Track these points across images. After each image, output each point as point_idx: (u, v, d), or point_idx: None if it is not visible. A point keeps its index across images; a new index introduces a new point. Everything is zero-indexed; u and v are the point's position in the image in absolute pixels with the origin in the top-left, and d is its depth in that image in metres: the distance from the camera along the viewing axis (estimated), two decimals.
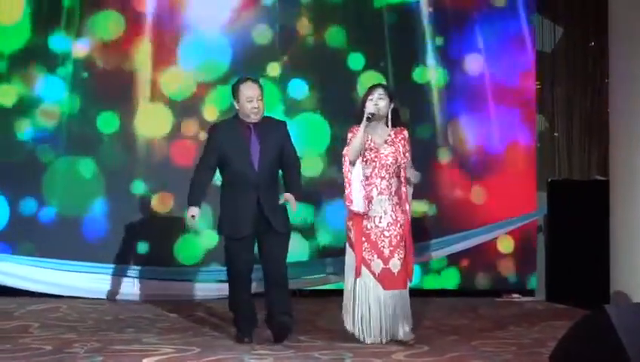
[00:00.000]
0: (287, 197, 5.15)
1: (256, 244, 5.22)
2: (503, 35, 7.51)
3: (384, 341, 5.16)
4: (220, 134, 5.18)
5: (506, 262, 7.40)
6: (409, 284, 5.28)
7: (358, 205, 5.17)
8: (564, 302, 6.84)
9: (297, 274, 6.96)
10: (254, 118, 5.14)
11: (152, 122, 7.20)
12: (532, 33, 7.54)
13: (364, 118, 5.15)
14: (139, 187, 7.15)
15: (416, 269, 7.03)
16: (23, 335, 5.28)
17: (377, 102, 5.22)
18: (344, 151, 5.20)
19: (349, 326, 5.23)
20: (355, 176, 5.19)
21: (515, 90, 7.51)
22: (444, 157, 7.39)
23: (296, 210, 5.22)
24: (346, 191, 5.19)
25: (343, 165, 5.21)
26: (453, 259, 7.39)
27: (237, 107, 5.19)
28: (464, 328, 5.83)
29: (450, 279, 7.39)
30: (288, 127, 5.35)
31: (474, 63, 7.46)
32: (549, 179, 7.42)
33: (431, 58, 7.41)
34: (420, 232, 7.09)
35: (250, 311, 5.23)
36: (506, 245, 7.41)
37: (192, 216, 5.06)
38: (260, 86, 5.22)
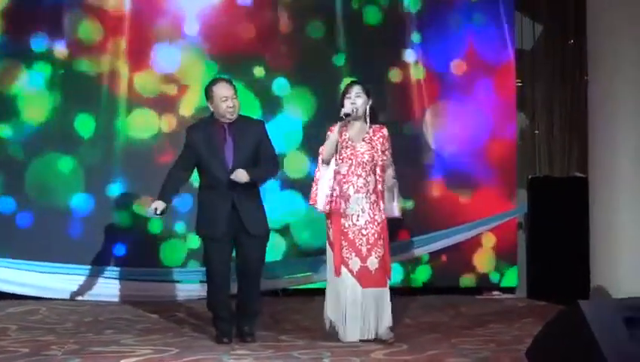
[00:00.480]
0: (237, 171, 5.05)
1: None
2: (482, 33, 7.52)
3: (364, 338, 5.15)
4: (196, 135, 5.18)
5: (487, 259, 7.41)
6: (388, 282, 5.27)
7: (320, 204, 5.19)
8: (545, 299, 6.85)
9: (280, 273, 6.97)
10: (230, 118, 5.13)
11: (132, 123, 7.17)
12: (511, 31, 7.55)
13: (341, 116, 5.16)
14: (117, 188, 7.11)
15: (397, 267, 7.14)
16: (0, 338, 5.23)
17: (355, 101, 5.22)
18: (320, 149, 5.23)
19: (328, 324, 5.23)
20: (324, 175, 5.20)
21: (495, 87, 7.52)
22: (425, 154, 7.39)
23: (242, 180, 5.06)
24: (313, 190, 5.22)
25: (318, 163, 5.24)
26: (434, 257, 7.38)
27: (212, 108, 5.18)
28: (444, 326, 5.84)
29: (430, 277, 7.39)
30: (266, 126, 5.34)
31: (453, 60, 7.46)
32: (530, 177, 7.44)
33: (410, 55, 7.41)
34: (400, 230, 7.14)
35: (229, 311, 5.23)
36: (486, 242, 7.42)
37: (155, 208, 5.06)
38: (233, 85, 5.22)
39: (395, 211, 5.33)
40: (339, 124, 5.17)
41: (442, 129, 7.42)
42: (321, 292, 5.53)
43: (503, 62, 7.51)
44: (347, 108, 5.18)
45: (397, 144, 5.55)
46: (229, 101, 5.10)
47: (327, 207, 5.18)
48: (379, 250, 5.21)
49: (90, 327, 5.71)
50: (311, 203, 5.24)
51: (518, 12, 7.61)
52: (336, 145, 5.17)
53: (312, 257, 7.01)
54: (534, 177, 7.44)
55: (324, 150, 5.19)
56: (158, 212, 5.07)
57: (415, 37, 7.41)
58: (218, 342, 5.15)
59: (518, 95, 7.57)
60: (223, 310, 5.20)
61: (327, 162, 5.19)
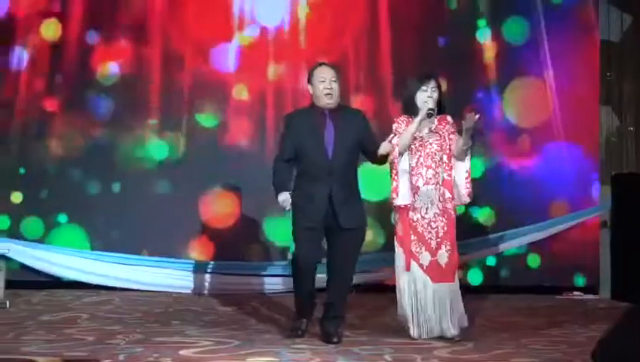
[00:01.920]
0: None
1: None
2: (569, 23, 7.25)
3: (435, 335, 5.02)
4: (295, 122, 5.07)
5: (569, 258, 7.14)
6: (457, 277, 5.11)
7: (403, 198, 5.06)
8: (630, 300, 6.52)
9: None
10: (328, 101, 4.99)
11: None
12: (599, 22, 7.25)
13: (424, 113, 5.02)
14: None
15: (477, 264, 6.96)
16: (69, 326, 5.34)
17: (432, 95, 5.09)
18: (394, 142, 5.04)
19: (402, 321, 5.11)
20: (402, 169, 5.08)
21: (580, 79, 7.23)
22: (510, 148, 7.17)
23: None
24: (393, 185, 5.08)
25: (390, 155, 5.05)
26: (514, 255, 7.17)
27: (311, 91, 5.07)
28: (516, 325, 5.63)
29: (511, 275, 7.17)
30: (366, 117, 5.22)
31: (537, 51, 7.21)
32: (614, 173, 7.13)
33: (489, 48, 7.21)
34: (481, 227, 6.96)
35: (310, 304, 5.10)
36: (569, 240, 7.15)
37: (283, 201, 4.94)
38: (335, 69, 5.10)
39: (464, 196, 5.14)
40: (419, 118, 5.02)
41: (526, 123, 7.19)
42: (390, 289, 5.40)
43: (590, 54, 7.23)
44: (430, 103, 5.05)
45: None
46: (327, 82, 4.98)
47: (413, 198, 5.03)
48: (448, 243, 5.05)
49: (159, 318, 5.76)
50: (393, 196, 5.05)
51: (606, 3, 7.31)
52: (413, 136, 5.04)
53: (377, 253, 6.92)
54: (618, 174, 7.13)
55: (400, 142, 5.03)
56: (290, 201, 4.94)
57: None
58: (291, 331, 5.05)
59: (603, 88, 7.26)
60: (305, 301, 5.06)
61: (402, 154, 5.04)
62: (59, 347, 4.68)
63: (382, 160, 4.99)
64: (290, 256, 6.04)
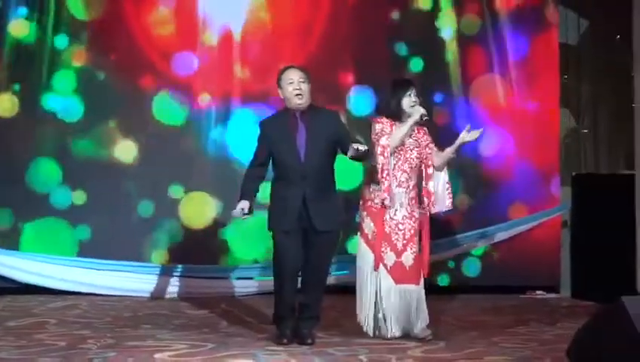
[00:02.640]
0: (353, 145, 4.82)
1: None
2: (527, 27, 7.39)
3: (396, 335, 5.06)
4: (267, 127, 5.07)
5: (530, 258, 7.26)
6: (422, 280, 5.17)
7: (392, 200, 5.10)
8: (590, 299, 6.69)
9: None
10: (299, 102, 4.97)
11: None
12: (557, 25, 7.41)
13: (417, 117, 5.08)
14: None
15: (439, 265, 7.04)
16: (39, 331, 5.27)
17: (416, 100, 5.18)
18: (384, 142, 5.07)
19: (364, 321, 5.15)
20: (388, 167, 5.10)
21: (539, 82, 7.38)
22: (467, 150, 7.28)
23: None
24: (385, 184, 5.05)
25: (380, 156, 5.06)
26: (475, 255, 7.28)
27: (282, 95, 5.07)
28: (485, 324, 5.73)
29: (472, 275, 7.28)
30: (340, 116, 5.22)
31: (497, 55, 7.35)
32: (574, 174, 7.29)
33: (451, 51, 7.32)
34: (442, 227, 7.04)
35: (293, 310, 5.06)
36: (530, 241, 7.28)
37: (242, 209, 4.92)
38: (303, 70, 5.09)
39: (446, 203, 5.23)
40: (411, 121, 5.08)
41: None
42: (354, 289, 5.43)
43: (548, 57, 7.38)
44: (420, 109, 5.12)
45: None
46: (296, 84, 4.97)
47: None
48: (414, 246, 5.13)
49: (128, 322, 5.71)
50: (384, 196, 5.04)
51: (564, 7, 7.47)
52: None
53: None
54: (578, 174, 7.29)
55: (393, 140, 5.05)
56: (245, 211, 4.93)
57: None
58: (277, 342, 4.98)
59: (562, 90, 7.42)
60: (288, 308, 5.03)
61: (393, 150, 5.08)
62: (31, 353, 4.61)
63: (360, 158, 4.95)
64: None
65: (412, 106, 5.15)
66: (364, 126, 6.73)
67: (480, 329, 5.50)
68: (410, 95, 5.17)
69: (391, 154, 5.11)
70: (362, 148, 4.78)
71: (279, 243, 4.98)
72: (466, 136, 5.17)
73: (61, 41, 7.04)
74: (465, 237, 7.24)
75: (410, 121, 5.12)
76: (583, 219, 7.13)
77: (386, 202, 5.08)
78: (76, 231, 7.01)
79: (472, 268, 7.30)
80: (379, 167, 5.07)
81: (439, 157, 5.21)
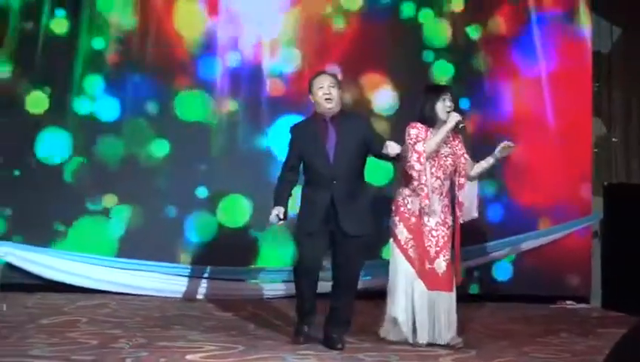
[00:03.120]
0: (389, 143, 4.86)
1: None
2: (559, 35, 7.35)
3: (425, 342, 5.05)
4: (298, 132, 5.14)
5: (561, 267, 7.21)
6: (454, 288, 5.15)
7: (429, 205, 5.09)
8: (620, 310, 6.63)
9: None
10: (328, 106, 5.03)
11: None
12: (590, 34, 7.36)
13: (453, 123, 5.06)
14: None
15: (470, 273, 7.00)
16: (70, 330, 5.30)
17: (450, 104, 5.16)
18: (420, 148, 5.07)
19: (391, 325, 5.14)
20: (426, 173, 5.09)
21: (572, 91, 7.32)
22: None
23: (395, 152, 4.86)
24: (425, 191, 5.05)
25: (416, 162, 5.06)
26: (506, 264, 7.23)
27: (312, 100, 5.13)
28: (515, 334, 5.69)
29: (503, 284, 7.23)
30: (369, 120, 5.27)
31: (532, 65, 7.31)
32: (605, 183, 7.23)
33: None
34: (472, 235, 6.99)
35: (313, 310, 5.11)
36: (560, 250, 7.22)
37: (277, 215, 4.96)
38: (334, 76, 5.17)
39: (473, 212, 5.22)
40: (447, 127, 5.06)
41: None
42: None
43: (581, 65, 7.33)
44: (456, 115, 5.10)
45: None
46: (325, 88, 5.04)
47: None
48: (447, 254, 5.11)
49: (158, 322, 5.73)
50: (425, 202, 5.05)
51: (596, 15, 7.42)
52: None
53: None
54: (610, 184, 7.23)
55: (428, 149, 5.05)
56: (280, 216, 4.96)
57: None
58: (295, 335, 5.08)
59: (594, 100, 7.37)
60: (307, 308, 5.07)
61: (429, 156, 5.07)
62: (64, 350, 4.65)
63: (391, 159, 5.01)
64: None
65: (447, 112, 5.14)
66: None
67: (510, 339, 5.46)
68: (444, 100, 5.16)
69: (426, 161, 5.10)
70: (396, 149, 4.80)
71: (301, 244, 5.04)
72: (500, 152, 5.16)
73: (96, 42, 7.10)
74: (494, 245, 7.19)
75: (446, 128, 5.10)
76: (615, 228, 7.06)
77: (427, 209, 5.06)
78: (108, 231, 7.04)
79: (501, 277, 7.25)
80: (415, 174, 5.07)
81: (474, 169, 5.20)
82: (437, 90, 5.25)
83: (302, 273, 5.03)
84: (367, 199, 5.13)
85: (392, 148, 4.83)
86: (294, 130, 5.18)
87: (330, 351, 4.92)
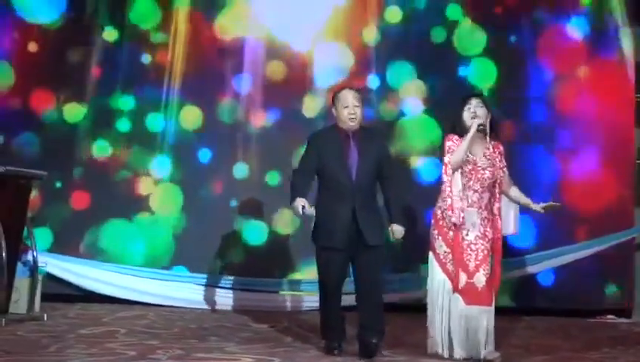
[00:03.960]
0: (394, 229, 5.09)
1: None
2: (601, 46, 7.28)
3: (463, 356, 5.00)
4: (319, 141, 5.19)
5: (602, 281, 7.11)
6: (494, 302, 5.10)
7: (458, 217, 5.05)
8: None
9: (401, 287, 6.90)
10: (352, 125, 5.12)
11: None
12: (631, 44, 7.29)
13: (473, 128, 5.03)
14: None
15: (507, 285, 6.93)
16: (109, 341, 5.35)
17: (475, 110, 5.10)
18: (446, 160, 5.07)
19: (432, 342, 5.10)
20: (456, 188, 5.08)
21: (614, 101, 7.24)
22: (540, 168, 7.18)
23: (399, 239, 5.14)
24: (448, 202, 5.04)
25: (444, 174, 5.08)
26: (546, 277, 7.16)
27: (335, 114, 5.20)
28: (554, 348, 5.60)
29: (542, 297, 7.14)
30: (385, 138, 5.34)
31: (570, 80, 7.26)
32: None
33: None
34: (513, 247, 6.95)
35: (340, 322, 5.16)
36: (602, 263, 7.12)
37: (302, 206, 4.98)
38: (358, 93, 5.22)
39: (511, 228, 5.19)
40: (470, 134, 5.01)
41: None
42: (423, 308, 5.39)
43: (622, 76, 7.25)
44: (478, 119, 5.06)
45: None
46: (351, 108, 5.11)
47: (462, 219, 5.03)
48: (487, 268, 5.05)
49: (195, 334, 5.77)
50: (449, 214, 5.03)
51: (638, 26, 7.33)
52: (466, 157, 5.07)
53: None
54: None
55: (453, 160, 5.04)
56: (306, 208, 4.99)
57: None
58: (327, 352, 5.10)
59: (637, 110, 7.28)
60: (334, 321, 5.13)
61: (455, 169, 5.06)
62: (102, 361, 4.69)
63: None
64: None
65: (472, 118, 5.09)
66: None
67: (549, 354, 5.38)
68: (469, 108, 5.11)
69: (459, 173, 5.05)
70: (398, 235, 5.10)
71: (327, 259, 5.08)
72: (545, 208, 5.15)
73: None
74: (534, 257, 7.12)
75: (468, 136, 5.05)
76: None
77: (452, 220, 5.03)
78: (137, 242, 7.14)
79: (541, 290, 7.16)
80: (443, 186, 5.06)
81: (513, 193, 5.17)
82: (464, 99, 5.20)
83: (328, 287, 5.10)
84: (380, 210, 5.18)
85: (396, 233, 5.10)
86: (315, 138, 5.25)
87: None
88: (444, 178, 5.06)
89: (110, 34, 7.34)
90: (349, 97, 5.14)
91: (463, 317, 5.01)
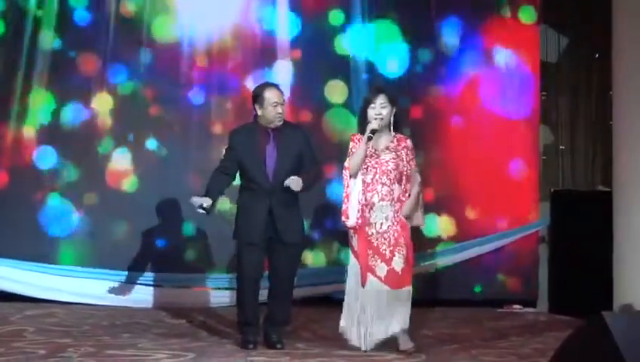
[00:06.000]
0: (292, 178, 5.06)
1: None
2: (509, 44, 7.47)
3: (382, 337, 5.03)
4: (238, 139, 5.22)
5: (508, 272, 7.32)
6: (411, 280, 5.16)
7: (352, 221, 5.10)
8: (567, 314, 6.74)
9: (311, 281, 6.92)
10: (277, 124, 5.15)
11: None
12: (538, 42, 7.50)
13: (366, 135, 5.05)
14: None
15: (418, 278, 7.02)
16: (17, 339, 5.23)
17: (380, 111, 5.10)
18: (345, 163, 5.13)
19: (347, 333, 5.14)
20: (353, 190, 5.12)
21: (520, 98, 7.45)
22: (447, 164, 7.33)
23: (297, 189, 5.09)
24: (344, 206, 5.12)
25: (343, 178, 5.16)
26: (454, 270, 7.31)
27: (259, 113, 5.17)
28: (464, 338, 5.76)
29: (451, 289, 7.30)
30: (307, 134, 5.39)
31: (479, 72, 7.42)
32: (552, 190, 7.36)
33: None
34: (419, 241, 7.05)
35: (256, 317, 5.20)
36: (508, 256, 7.33)
37: (201, 204, 5.04)
38: (282, 90, 5.27)
39: (420, 219, 5.27)
40: (364, 140, 5.05)
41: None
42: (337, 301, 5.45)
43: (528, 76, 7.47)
44: (373, 124, 5.05)
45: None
46: (279, 107, 5.13)
47: (359, 222, 5.07)
48: (402, 249, 5.08)
49: (107, 331, 5.68)
50: (343, 219, 5.11)
51: (544, 24, 7.55)
52: (364, 160, 5.10)
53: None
54: (557, 190, 7.36)
55: (351, 164, 5.10)
56: (204, 206, 5.04)
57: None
58: (243, 347, 5.12)
59: (541, 107, 7.50)
60: (250, 315, 5.17)
61: (354, 175, 5.11)
62: (12, 361, 4.58)
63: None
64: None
65: (375, 119, 5.08)
66: None
67: (459, 343, 5.53)
68: (374, 106, 5.11)
69: (364, 169, 5.08)
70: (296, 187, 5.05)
71: (243, 255, 5.15)
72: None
73: None
74: (442, 252, 7.27)
75: (362, 142, 5.07)
76: (561, 234, 7.19)
77: (347, 224, 5.08)
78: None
79: (449, 281, 7.31)
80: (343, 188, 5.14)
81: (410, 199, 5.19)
82: (368, 96, 5.21)
83: (245, 282, 5.16)
84: (299, 207, 5.27)
85: (294, 184, 5.05)
86: (233, 136, 5.28)
87: (283, 356, 4.95)
88: (344, 181, 5.13)
89: None
90: (277, 96, 5.15)
91: (384, 303, 5.01)
